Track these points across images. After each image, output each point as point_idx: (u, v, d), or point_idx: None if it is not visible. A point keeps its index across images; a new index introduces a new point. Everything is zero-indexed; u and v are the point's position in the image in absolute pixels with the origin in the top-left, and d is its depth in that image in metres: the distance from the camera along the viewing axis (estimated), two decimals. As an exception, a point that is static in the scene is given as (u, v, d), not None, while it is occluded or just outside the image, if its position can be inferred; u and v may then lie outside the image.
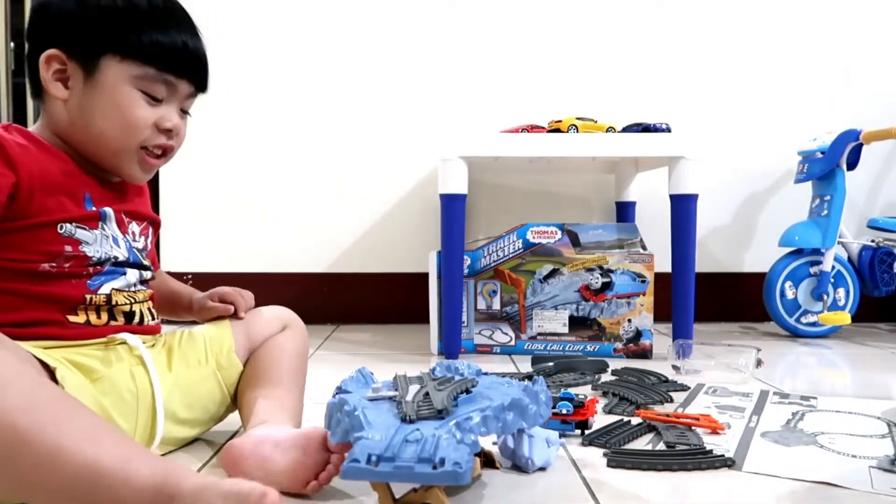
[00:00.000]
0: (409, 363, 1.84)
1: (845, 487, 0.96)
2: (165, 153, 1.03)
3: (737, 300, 2.60)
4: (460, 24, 2.55)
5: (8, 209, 0.90)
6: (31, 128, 1.00)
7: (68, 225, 0.95)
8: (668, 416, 1.25)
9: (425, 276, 2.04)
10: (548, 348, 1.99)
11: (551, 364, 1.72)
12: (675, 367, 1.72)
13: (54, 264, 0.94)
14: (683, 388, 1.54)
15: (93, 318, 0.98)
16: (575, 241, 2.00)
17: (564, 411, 1.14)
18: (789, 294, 2.33)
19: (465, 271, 1.99)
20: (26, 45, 0.99)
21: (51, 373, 0.82)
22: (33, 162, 0.93)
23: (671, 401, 1.43)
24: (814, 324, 2.32)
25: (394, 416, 0.85)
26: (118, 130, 0.97)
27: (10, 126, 0.95)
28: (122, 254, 1.02)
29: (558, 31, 2.56)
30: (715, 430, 1.20)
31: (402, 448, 0.76)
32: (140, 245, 1.08)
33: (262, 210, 2.53)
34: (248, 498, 0.66)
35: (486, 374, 1.07)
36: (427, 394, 0.91)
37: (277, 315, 1.22)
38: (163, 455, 1.03)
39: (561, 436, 1.13)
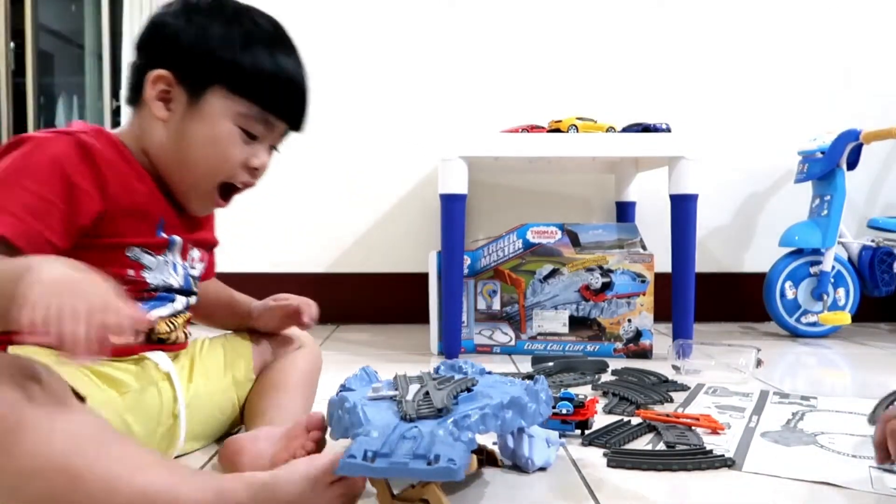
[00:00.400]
0: (409, 363, 1.84)
1: (845, 487, 0.96)
2: (244, 188, 1.03)
3: (737, 300, 2.60)
4: (460, 24, 2.55)
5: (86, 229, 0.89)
6: (118, 132, 0.98)
7: (136, 249, 0.95)
8: (668, 416, 1.25)
9: (425, 276, 2.04)
10: (548, 348, 1.99)
11: (551, 364, 1.72)
12: (675, 367, 1.72)
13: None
14: (683, 388, 1.54)
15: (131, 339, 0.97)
16: (575, 241, 2.00)
17: (564, 411, 1.14)
18: (789, 294, 2.33)
19: (465, 271, 1.99)
20: (135, 53, 0.98)
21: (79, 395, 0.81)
22: (121, 184, 0.92)
23: (671, 401, 1.43)
24: (814, 324, 2.32)
25: (393, 414, 0.86)
26: (209, 163, 0.97)
27: (99, 132, 0.93)
28: (177, 281, 1.02)
29: (558, 31, 2.56)
30: (715, 430, 1.20)
31: (398, 445, 0.77)
32: (196, 272, 1.08)
33: (262, 210, 2.53)
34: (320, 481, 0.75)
35: (489, 373, 1.08)
36: (427, 393, 0.91)
37: (294, 334, 1.23)
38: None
39: (561, 436, 1.13)
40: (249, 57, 0.94)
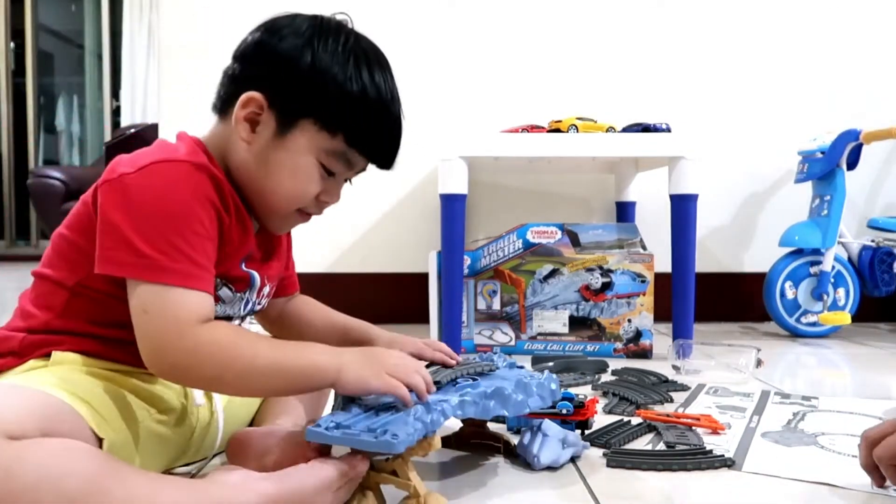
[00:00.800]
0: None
1: (845, 488, 0.96)
2: (312, 215, 1.01)
3: (737, 300, 2.60)
4: (460, 24, 2.55)
5: None
6: (204, 137, 0.96)
7: (219, 281, 0.93)
8: (668, 416, 1.25)
9: (425, 276, 2.04)
10: (548, 348, 1.99)
11: (551, 364, 1.72)
12: (675, 367, 1.72)
13: None
14: (683, 388, 1.54)
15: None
16: (575, 241, 2.00)
17: (564, 411, 1.14)
18: (789, 294, 2.33)
19: (465, 271, 1.99)
20: (233, 61, 0.96)
21: (98, 438, 0.81)
22: (227, 221, 0.91)
23: (671, 401, 1.43)
24: (814, 324, 2.32)
25: (391, 400, 0.90)
26: (284, 193, 0.95)
27: (206, 162, 0.89)
28: (240, 314, 1.01)
29: (558, 31, 2.56)
30: (715, 430, 1.20)
31: (360, 421, 0.84)
32: (263, 304, 1.06)
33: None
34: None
35: (520, 367, 1.12)
36: (437, 370, 0.99)
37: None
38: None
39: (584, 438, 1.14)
40: (349, 95, 0.91)
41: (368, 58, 0.95)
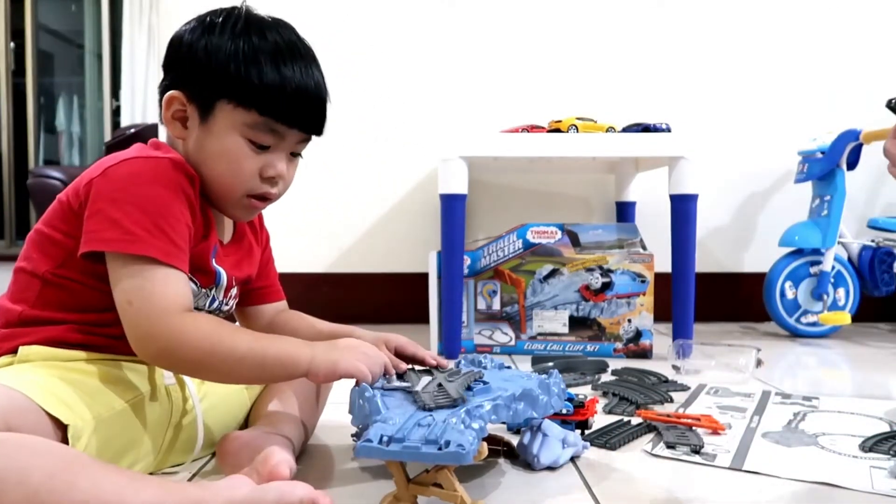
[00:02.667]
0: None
1: (845, 488, 0.96)
2: (269, 198, 1.04)
3: (737, 300, 2.60)
4: (460, 24, 2.55)
5: None
6: (167, 141, 1.02)
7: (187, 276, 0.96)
8: (668, 416, 1.25)
9: (425, 276, 2.04)
10: (548, 348, 1.99)
11: (551, 364, 1.72)
12: (675, 367, 1.72)
13: None
14: (683, 388, 1.54)
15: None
16: (575, 241, 2.00)
17: (564, 411, 1.14)
18: (789, 294, 2.33)
19: (465, 271, 1.99)
20: (163, 73, 1.02)
21: (63, 429, 0.83)
22: (197, 216, 0.96)
23: (671, 401, 1.43)
24: (814, 324, 2.32)
25: (409, 403, 0.90)
26: (225, 178, 0.99)
27: (175, 160, 0.95)
28: (205, 309, 1.04)
29: (558, 31, 2.56)
30: (716, 430, 1.20)
31: (412, 431, 0.82)
32: (229, 307, 1.10)
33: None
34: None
35: (507, 367, 1.12)
36: (440, 385, 0.95)
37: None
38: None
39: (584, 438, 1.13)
40: (251, 69, 0.95)
41: (268, 33, 0.99)
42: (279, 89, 0.97)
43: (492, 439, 1.10)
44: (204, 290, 1.00)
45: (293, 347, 0.93)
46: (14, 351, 0.92)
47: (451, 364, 1.10)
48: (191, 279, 0.96)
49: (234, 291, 1.08)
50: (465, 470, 1.02)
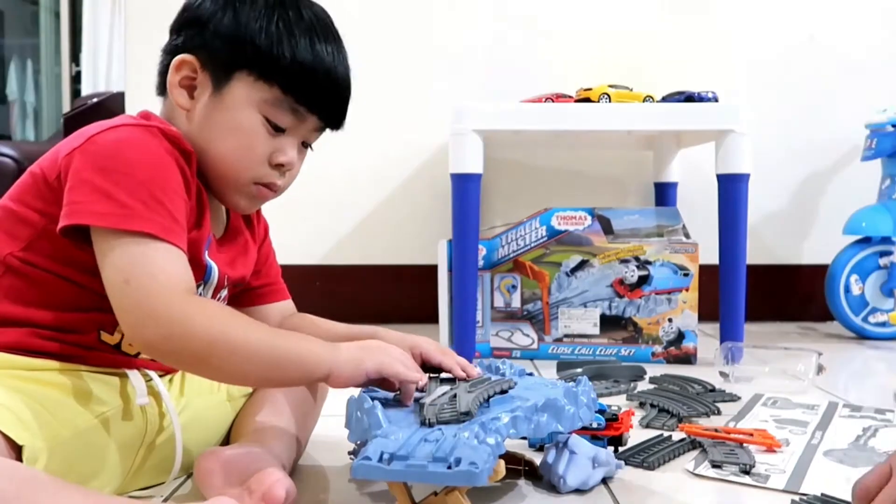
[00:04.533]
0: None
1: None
2: (274, 190, 1.06)
3: (794, 296, 2.59)
4: (474, -24, 2.55)
5: None
6: (162, 115, 1.04)
7: None
8: (716, 430, 1.25)
9: (434, 268, 2.04)
10: (575, 352, 1.99)
11: (580, 370, 1.72)
12: (722, 375, 1.72)
13: None
14: (732, 398, 1.54)
15: (125, 345, 1.00)
16: (607, 228, 2.00)
17: (595, 425, 1.15)
18: (855, 289, 2.32)
19: (481, 263, 1.99)
20: (169, 36, 1.05)
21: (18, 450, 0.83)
22: (190, 197, 0.97)
23: (718, 413, 1.43)
24: (883, 324, 2.31)
25: (416, 416, 0.91)
26: (233, 157, 1.01)
27: (169, 132, 0.96)
28: None
29: (588, -16, 2.55)
30: (770, 447, 1.20)
31: (417, 447, 0.82)
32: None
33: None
34: None
35: (529, 374, 1.13)
36: (454, 396, 0.95)
37: None
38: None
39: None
40: (283, 41, 0.98)
41: (302, 9, 1.03)
42: (310, 67, 1.00)
43: (510, 457, 1.09)
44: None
45: (315, 345, 0.94)
46: None
47: (480, 373, 1.09)
48: None
49: (223, 293, 1.09)
50: (480, 492, 1.02)
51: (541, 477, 1.07)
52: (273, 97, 0.99)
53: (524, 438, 1.20)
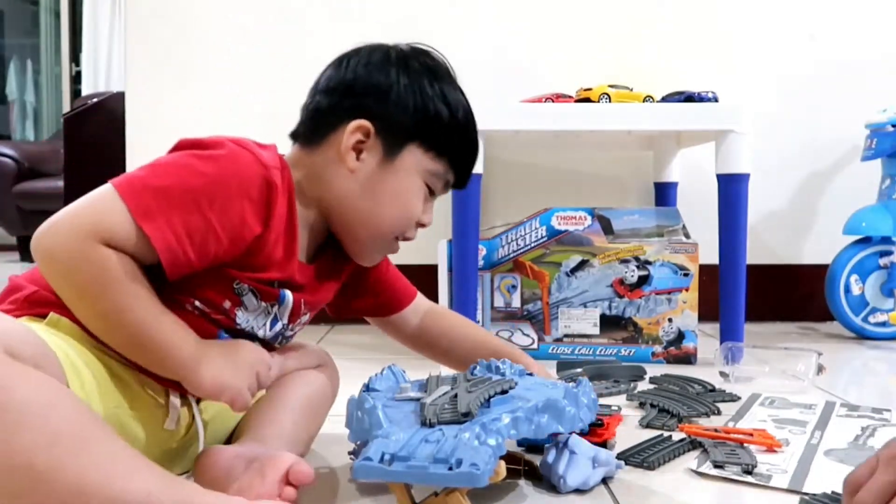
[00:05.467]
0: (414, 369, 1.84)
1: (922, 514, 0.95)
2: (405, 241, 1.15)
3: (794, 297, 2.59)
4: (474, -24, 2.55)
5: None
6: (292, 165, 1.06)
7: (246, 286, 1.00)
8: (716, 430, 1.25)
9: (433, 268, 2.04)
10: (576, 352, 1.99)
11: (580, 371, 1.72)
12: (722, 375, 1.72)
13: (201, 309, 0.99)
14: (733, 398, 1.54)
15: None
16: (607, 228, 2.00)
17: (579, 430, 1.14)
18: (855, 290, 2.32)
19: (480, 263, 1.99)
20: (319, 97, 1.10)
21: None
22: (275, 239, 0.99)
23: (718, 413, 1.43)
24: (883, 324, 2.31)
25: (417, 416, 0.91)
26: (391, 216, 1.09)
27: (284, 168, 1.01)
28: (264, 335, 1.07)
29: (588, -16, 2.55)
30: (771, 447, 1.20)
31: (418, 448, 0.82)
32: (292, 333, 1.13)
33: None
34: None
35: (529, 374, 1.14)
36: (455, 396, 0.96)
37: (315, 352, 1.27)
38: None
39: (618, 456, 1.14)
40: (446, 118, 1.08)
41: (455, 83, 1.15)
42: (470, 144, 1.13)
43: (510, 458, 1.09)
44: (265, 305, 1.03)
45: (183, 350, 0.92)
46: (42, 316, 0.93)
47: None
48: (251, 290, 1.00)
49: (304, 318, 1.12)
50: (480, 493, 1.02)
51: (541, 477, 1.07)
52: (437, 169, 1.10)
53: (520, 446, 1.20)
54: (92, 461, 0.73)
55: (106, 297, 0.87)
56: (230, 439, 1.14)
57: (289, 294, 1.05)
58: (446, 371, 1.10)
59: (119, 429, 0.94)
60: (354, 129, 1.05)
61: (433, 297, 2.03)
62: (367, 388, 1.05)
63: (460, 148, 1.12)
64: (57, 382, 0.77)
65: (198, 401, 1.06)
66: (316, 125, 1.09)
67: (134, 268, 0.88)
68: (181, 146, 0.97)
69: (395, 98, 1.06)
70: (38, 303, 0.95)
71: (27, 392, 0.72)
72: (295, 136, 1.11)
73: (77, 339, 0.92)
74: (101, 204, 0.87)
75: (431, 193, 1.12)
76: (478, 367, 1.13)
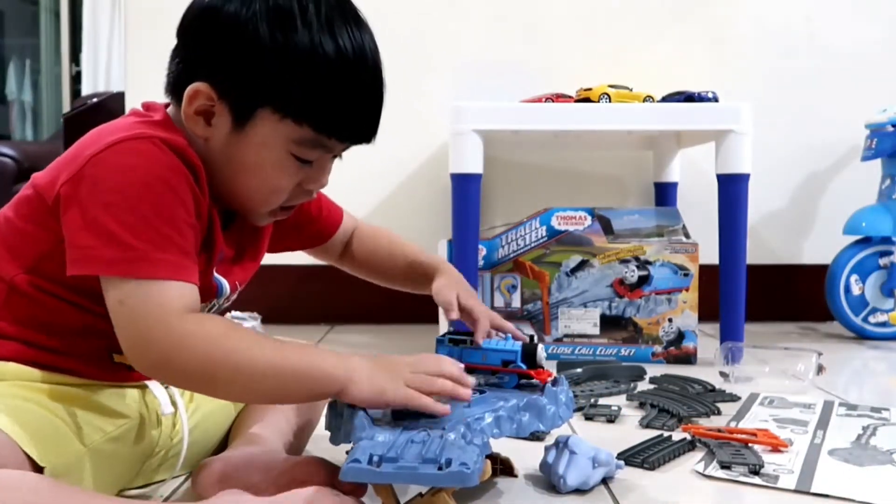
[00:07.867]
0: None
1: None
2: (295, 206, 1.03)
3: (794, 297, 2.59)
4: (474, -24, 2.54)
5: None
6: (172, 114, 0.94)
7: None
8: (718, 430, 1.25)
9: (434, 268, 2.03)
10: (576, 352, 1.98)
11: (580, 371, 1.72)
12: (722, 375, 1.72)
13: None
14: (733, 398, 1.54)
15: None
16: (607, 228, 2.00)
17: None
18: (855, 289, 2.32)
19: (481, 263, 1.99)
20: (178, 39, 0.95)
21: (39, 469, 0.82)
22: (203, 213, 0.91)
23: (719, 413, 1.42)
24: (883, 324, 2.31)
25: (388, 413, 0.90)
26: (256, 193, 0.95)
27: (174, 143, 0.88)
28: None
29: (587, -16, 2.55)
30: (776, 447, 1.19)
31: (405, 448, 0.81)
32: (229, 304, 1.07)
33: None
34: None
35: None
36: None
37: None
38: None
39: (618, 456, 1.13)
40: (308, 73, 0.88)
41: (340, 34, 0.90)
42: (347, 107, 0.92)
43: (487, 456, 1.09)
44: (203, 305, 0.95)
45: (327, 361, 0.87)
46: None
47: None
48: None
49: (233, 296, 1.06)
50: (467, 493, 1.00)
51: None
52: (301, 137, 0.91)
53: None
54: None
55: (241, 369, 0.83)
56: (226, 439, 1.13)
57: (225, 284, 1.00)
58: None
59: (117, 448, 0.94)
60: (193, 95, 0.89)
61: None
62: None
63: (331, 108, 0.90)
64: (17, 475, 0.76)
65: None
66: (174, 76, 0.94)
67: (221, 321, 0.86)
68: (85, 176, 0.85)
69: (239, 50, 0.88)
70: None
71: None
72: (165, 87, 0.97)
73: (27, 380, 0.88)
74: (134, 301, 0.82)
75: (307, 161, 0.93)
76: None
